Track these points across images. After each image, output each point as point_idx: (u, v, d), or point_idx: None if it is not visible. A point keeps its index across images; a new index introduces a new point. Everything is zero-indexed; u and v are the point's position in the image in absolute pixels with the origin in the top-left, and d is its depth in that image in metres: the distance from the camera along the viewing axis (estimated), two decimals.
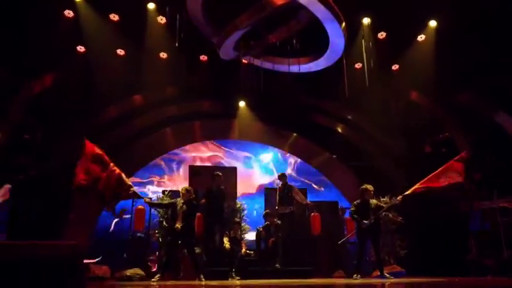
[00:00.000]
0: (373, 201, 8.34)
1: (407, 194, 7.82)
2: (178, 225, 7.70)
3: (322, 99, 12.96)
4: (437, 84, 11.37)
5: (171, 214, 8.06)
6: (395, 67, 12.40)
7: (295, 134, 13.59)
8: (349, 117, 13.20)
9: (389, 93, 12.44)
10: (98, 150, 7.68)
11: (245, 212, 10.13)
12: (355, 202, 8.37)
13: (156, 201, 8.56)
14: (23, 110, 10.65)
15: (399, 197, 7.99)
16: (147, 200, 7.99)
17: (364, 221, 7.98)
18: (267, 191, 11.11)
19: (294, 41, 9.86)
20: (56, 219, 9.59)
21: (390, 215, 9.54)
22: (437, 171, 7.74)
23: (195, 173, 10.71)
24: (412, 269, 9.21)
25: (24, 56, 10.22)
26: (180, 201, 7.95)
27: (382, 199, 9.51)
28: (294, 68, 10.24)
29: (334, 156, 13.24)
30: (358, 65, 11.94)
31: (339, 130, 13.35)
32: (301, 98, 12.94)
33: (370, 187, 8.35)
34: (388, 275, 8.11)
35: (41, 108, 11.08)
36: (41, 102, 11.11)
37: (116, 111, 12.52)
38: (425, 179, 7.75)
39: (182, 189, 8.10)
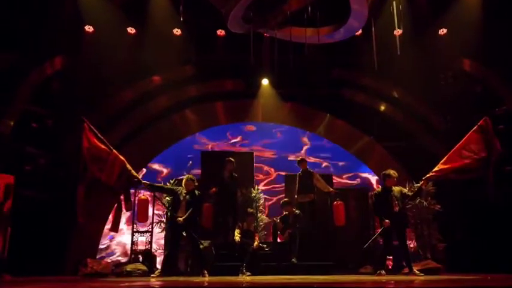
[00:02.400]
0: (396, 189, 8.02)
1: (428, 177, 7.66)
2: (180, 217, 7.77)
3: (356, 73, 12.56)
4: (490, 49, 10.70)
5: (172, 204, 8.13)
6: (442, 31, 11.83)
7: (328, 115, 13.27)
8: (389, 92, 12.69)
9: (433, 62, 11.86)
10: (97, 139, 7.87)
11: (262, 201, 10.06)
12: (375, 191, 8.10)
13: (157, 184, 8.58)
14: (31, 96, 11.08)
15: (421, 182, 7.83)
16: (147, 183, 8.05)
17: (386, 220, 7.73)
18: (287, 178, 10.97)
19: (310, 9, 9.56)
20: (65, 212, 10.16)
21: (425, 203, 9.14)
22: (456, 147, 7.47)
23: (207, 159, 10.74)
24: (452, 265, 8.81)
25: (30, 39, 10.61)
26: (183, 191, 8.02)
27: (416, 184, 9.14)
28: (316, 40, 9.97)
29: (371, 137, 12.80)
30: (397, 32, 11.51)
31: (377, 107, 12.88)
32: (332, 73, 12.62)
33: (393, 173, 8.05)
34: (417, 272, 7.80)
35: (50, 95, 11.53)
36: (50, 88, 11.57)
37: (132, 94, 12.75)
38: (445, 158, 7.50)
39: (185, 178, 8.15)
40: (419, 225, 9.09)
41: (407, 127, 12.59)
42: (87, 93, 11.75)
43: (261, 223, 10.01)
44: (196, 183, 8.16)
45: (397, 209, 7.81)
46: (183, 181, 8.08)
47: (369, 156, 13.02)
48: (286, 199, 9.62)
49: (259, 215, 9.84)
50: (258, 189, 10.39)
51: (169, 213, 8.87)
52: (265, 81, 12.75)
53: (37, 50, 10.81)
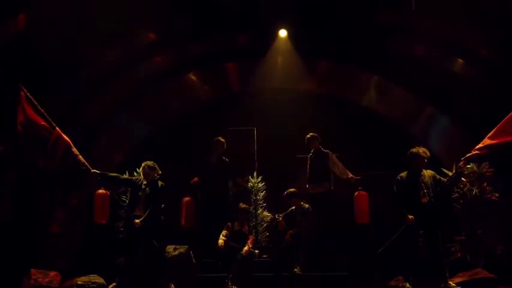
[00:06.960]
0: (428, 173, 7.88)
1: (469, 157, 7.64)
2: (137, 218, 7.91)
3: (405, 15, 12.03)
4: None
5: (129, 200, 8.29)
6: None
7: (375, 76, 12.83)
8: (453, 39, 12.08)
9: None
10: (35, 111, 8.10)
11: (263, 193, 10.02)
12: (398, 176, 7.87)
13: (111, 174, 8.69)
14: None
15: (461, 163, 7.71)
16: (97, 172, 8.19)
17: (409, 216, 7.57)
18: (299, 161, 10.78)
19: None
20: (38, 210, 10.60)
21: (476, 191, 8.76)
22: (509, 116, 7.34)
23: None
24: None
25: None
26: (143, 182, 8.14)
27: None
28: None
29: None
30: None
31: (438, 62, 12.31)
32: (375, 17, 12.16)
33: (422, 151, 7.87)
34: (453, 285, 7.56)
35: (9, 63, 11.92)
36: (9, 55, 11.96)
37: (117, 54, 12.90)
38: (494, 130, 7.44)
39: (144, 165, 8.25)
40: (469, 221, 8.70)
41: (480, 87, 11.97)
42: (57, 59, 12.03)
43: (263, 222, 10.00)
44: (160, 172, 8.24)
45: (425, 200, 7.60)
46: (142, 169, 8.18)
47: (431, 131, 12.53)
48: (291, 189, 9.54)
49: (259, 211, 9.82)
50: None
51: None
52: (282, 33, 12.29)
53: None
